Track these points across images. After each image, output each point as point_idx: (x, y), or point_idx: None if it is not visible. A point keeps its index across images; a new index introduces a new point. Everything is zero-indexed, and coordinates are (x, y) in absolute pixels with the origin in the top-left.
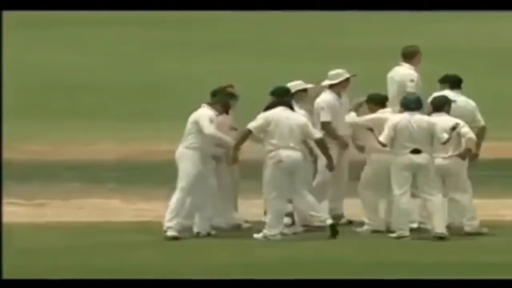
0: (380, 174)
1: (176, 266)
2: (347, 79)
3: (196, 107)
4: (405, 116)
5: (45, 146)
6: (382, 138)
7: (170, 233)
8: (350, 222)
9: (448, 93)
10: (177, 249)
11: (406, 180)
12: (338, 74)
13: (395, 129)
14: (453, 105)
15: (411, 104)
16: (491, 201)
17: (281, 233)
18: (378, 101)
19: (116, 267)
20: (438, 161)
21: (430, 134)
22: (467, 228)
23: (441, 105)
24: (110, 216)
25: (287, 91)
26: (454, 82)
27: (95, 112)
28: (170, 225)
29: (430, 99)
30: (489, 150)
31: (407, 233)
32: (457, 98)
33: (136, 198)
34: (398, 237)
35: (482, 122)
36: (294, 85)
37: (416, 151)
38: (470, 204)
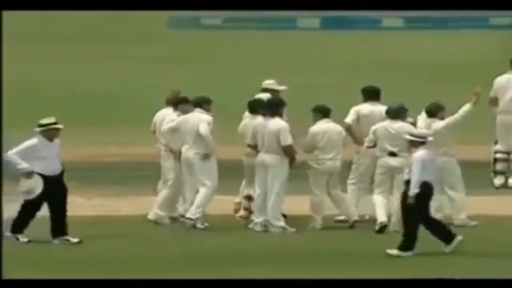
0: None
1: (138, 254)
2: (277, 91)
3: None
4: (384, 123)
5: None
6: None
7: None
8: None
9: (378, 104)
10: (139, 240)
11: (380, 181)
12: (270, 84)
13: (374, 134)
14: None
15: (388, 113)
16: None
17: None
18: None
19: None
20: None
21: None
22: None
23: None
24: (73, 211)
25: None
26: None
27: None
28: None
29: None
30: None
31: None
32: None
33: (93, 195)
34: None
35: None
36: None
37: (392, 154)
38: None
